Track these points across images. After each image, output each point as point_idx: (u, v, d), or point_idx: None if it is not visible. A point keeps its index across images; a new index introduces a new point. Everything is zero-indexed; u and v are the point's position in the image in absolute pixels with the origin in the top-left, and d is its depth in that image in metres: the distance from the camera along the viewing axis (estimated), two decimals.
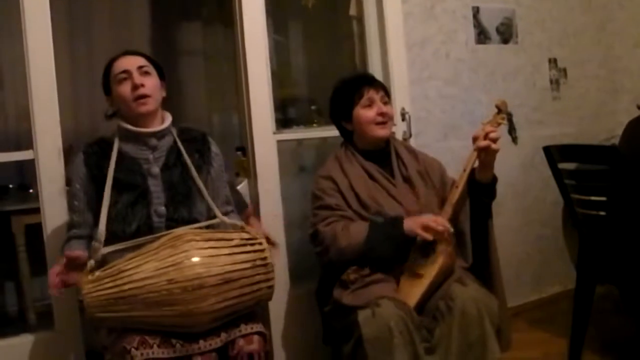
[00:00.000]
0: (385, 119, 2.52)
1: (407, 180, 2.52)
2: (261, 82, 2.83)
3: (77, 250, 2.01)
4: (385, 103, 2.54)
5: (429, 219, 2.28)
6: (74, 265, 1.96)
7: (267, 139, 2.85)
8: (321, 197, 2.47)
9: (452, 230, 2.28)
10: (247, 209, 2.23)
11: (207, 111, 4.96)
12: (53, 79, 2.41)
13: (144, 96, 2.16)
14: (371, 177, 2.50)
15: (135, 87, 2.15)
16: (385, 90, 2.59)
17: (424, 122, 3.39)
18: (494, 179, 2.37)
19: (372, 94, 2.53)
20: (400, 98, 3.19)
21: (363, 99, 2.53)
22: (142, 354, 1.85)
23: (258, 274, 1.98)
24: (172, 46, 4.81)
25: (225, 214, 2.28)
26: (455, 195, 2.36)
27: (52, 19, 2.42)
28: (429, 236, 2.25)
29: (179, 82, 4.74)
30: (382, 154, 2.57)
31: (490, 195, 2.39)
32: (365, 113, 2.52)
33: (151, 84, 2.19)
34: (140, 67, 2.19)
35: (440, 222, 2.26)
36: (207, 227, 2.15)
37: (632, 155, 2.78)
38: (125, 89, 2.16)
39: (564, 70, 3.99)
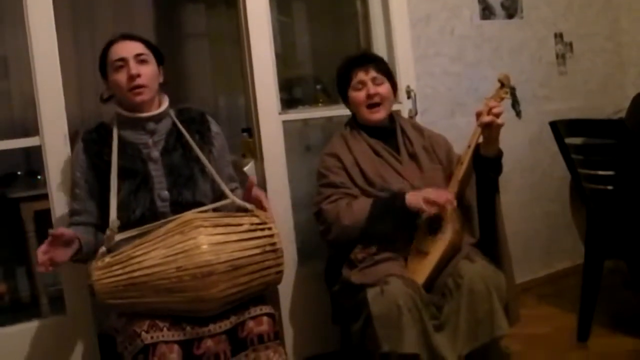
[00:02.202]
0: (376, 100, 2.50)
1: (412, 156, 2.52)
2: (265, 63, 2.83)
3: (61, 228, 1.99)
4: (378, 83, 2.52)
5: (430, 191, 2.28)
6: (60, 242, 1.94)
7: (272, 119, 2.85)
8: (326, 174, 2.47)
9: (455, 203, 2.27)
10: (248, 180, 2.21)
11: (213, 93, 4.94)
12: (57, 65, 2.41)
13: (140, 86, 2.14)
14: (377, 153, 2.50)
15: (131, 77, 2.13)
16: (379, 68, 2.55)
17: (429, 99, 3.37)
18: (500, 154, 2.36)
19: (361, 76, 2.51)
20: (406, 75, 3.17)
21: (353, 82, 2.53)
22: (152, 337, 1.87)
23: (267, 260, 1.99)
24: (176, 29, 4.79)
25: (231, 191, 2.28)
26: (460, 171, 2.36)
27: (55, 5, 2.41)
28: (432, 209, 2.24)
29: (184, 65, 4.73)
30: (387, 131, 2.57)
31: (496, 170, 2.39)
32: (355, 95, 2.53)
33: (148, 72, 2.16)
34: (137, 55, 2.15)
35: (442, 195, 2.25)
36: (216, 209, 2.16)
37: (638, 128, 2.76)
38: (121, 77, 2.14)
39: (570, 44, 3.96)
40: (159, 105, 2.25)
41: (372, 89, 2.50)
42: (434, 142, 2.58)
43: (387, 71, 2.59)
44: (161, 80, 2.26)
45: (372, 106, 2.50)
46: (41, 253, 1.90)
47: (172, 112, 2.27)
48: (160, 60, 2.26)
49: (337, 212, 2.36)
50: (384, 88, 2.53)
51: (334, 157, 2.50)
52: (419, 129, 2.64)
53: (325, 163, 2.50)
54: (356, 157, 2.48)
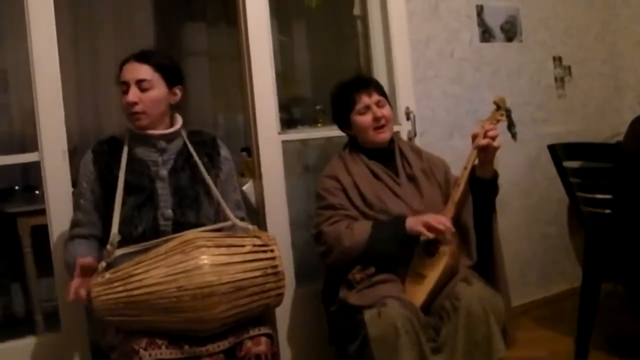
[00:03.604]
0: (382, 123, 2.51)
1: (411, 178, 2.52)
2: (265, 82, 2.84)
3: (88, 257, 2.00)
4: (381, 106, 2.52)
5: (430, 217, 2.29)
6: (86, 271, 1.95)
7: (272, 139, 2.85)
8: (325, 196, 2.47)
9: (453, 229, 2.28)
10: None
11: (213, 111, 4.96)
12: (58, 81, 2.42)
13: (137, 113, 2.14)
14: (376, 176, 2.50)
15: (127, 104, 2.14)
16: (380, 91, 2.57)
17: (428, 121, 3.38)
18: (496, 175, 2.38)
19: (365, 100, 2.51)
20: (405, 97, 3.18)
21: (357, 106, 2.52)
22: (150, 355, 1.85)
23: (268, 283, 1.98)
24: (176, 47, 4.81)
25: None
26: (457, 193, 2.36)
27: (57, 21, 2.42)
28: (430, 235, 2.25)
29: (184, 82, 4.75)
30: (386, 153, 2.57)
31: (492, 191, 2.40)
32: (361, 120, 2.52)
33: (148, 99, 2.15)
34: (139, 82, 2.14)
35: (442, 221, 2.26)
36: (218, 229, 2.15)
37: (636, 152, 2.77)
38: (123, 100, 2.15)
39: (569, 68, 3.99)
40: (171, 124, 2.25)
41: (378, 112, 2.50)
42: (432, 165, 2.59)
43: (385, 93, 2.61)
44: (174, 101, 2.25)
45: (378, 128, 2.51)
46: (74, 288, 1.91)
47: (184, 133, 2.27)
48: (174, 81, 2.24)
49: (337, 233, 2.36)
50: (387, 110, 2.54)
51: (333, 179, 2.50)
52: (418, 151, 2.65)
53: (325, 185, 2.51)
54: (355, 179, 2.48)
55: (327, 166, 2.61)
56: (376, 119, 2.50)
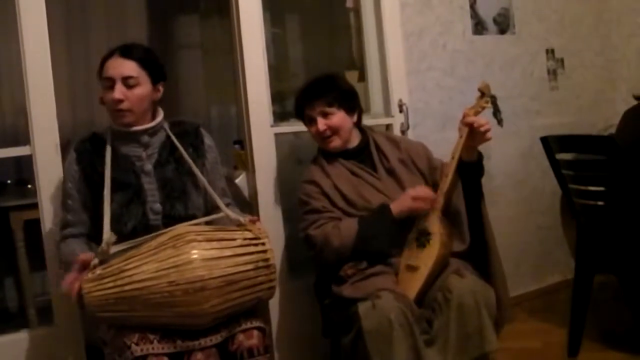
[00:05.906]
0: (326, 134, 2.50)
1: (390, 172, 2.52)
2: (258, 75, 2.83)
3: (88, 253, 1.99)
4: (328, 115, 2.50)
5: (412, 190, 2.35)
6: (85, 267, 1.94)
7: (264, 131, 2.85)
8: (307, 201, 2.48)
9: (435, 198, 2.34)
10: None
11: (206, 104, 4.95)
12: (49, 74, 2.40)
13: (122, 110, 2.12)
14: (354, 174, 2.51)
15: (114, 101, 2.10)
16: (326, 101, 2.49)
17: (421, 113, 3.38)
18: (480, 156, 2.39)
19: (308, 112, 2.53)
20: (398, 89, 3.18)
21: (305, 117, 2.56)
22: (142, 350, 1.85)
23: (260, 276, 1.98)
24: (169, 40, 4.80)
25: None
26: (445, 183, 2.35)
27: (48, 13, 2.40)
28: (422, 205, 2.31)
29: (177, 75, 4.73)
30: (361, 150, 2.58)
31: (479, 173, 2.41)
32: (310, 130, 2.57)
33: (134, 96, 2.11)
34: (125, 78, 2.10)
35: (423, 189, 2.35)
36: (209, 222, 2.14)
37: (628, 144, 2.78)
38: (107, 97, 2.12)
39: (562, 60, 3.99)
40: (153, 117, 2.23)
41: (321, 124, 2.49)
42: (413, 153, 2.58)
43: (339, 98, 2.52)
44: (157, 97, 2.22)
45: (325, 138, 2.52)
46: (71, 282, 1.91)
47: (166, 125, 2.25)
48: (158, 78, 2.20)
49: (324, 235, 2.36)
50: (335, 119, 2.50)
51: (312, 184, 2.50)
52: (395, 142, 2.63)
53: (305, 190, 2.51)
54: (334, 181, 2.49)
55: (305, 172, 2.61)
56: (318, 132, 2.51)
